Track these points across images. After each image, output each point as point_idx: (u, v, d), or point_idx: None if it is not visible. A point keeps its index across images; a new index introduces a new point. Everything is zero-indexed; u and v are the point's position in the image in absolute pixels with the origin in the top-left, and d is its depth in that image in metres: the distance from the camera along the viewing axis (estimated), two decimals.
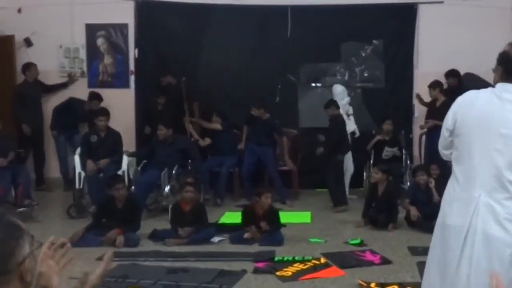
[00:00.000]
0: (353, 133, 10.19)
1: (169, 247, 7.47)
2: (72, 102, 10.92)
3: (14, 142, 9.85)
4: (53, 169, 11.25)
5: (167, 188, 9.12)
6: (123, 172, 9.20)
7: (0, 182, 8.71)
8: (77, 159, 9.41)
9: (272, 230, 7.65)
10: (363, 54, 11.08)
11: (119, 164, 9.29)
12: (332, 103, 9.82)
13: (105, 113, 9.53)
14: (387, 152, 10.06)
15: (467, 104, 3.60)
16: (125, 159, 9.42)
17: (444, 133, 3.72)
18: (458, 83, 10.34)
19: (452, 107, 3.68)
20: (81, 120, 10.90)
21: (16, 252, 2.01)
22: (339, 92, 10.14)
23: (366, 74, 11.11)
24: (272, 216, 7.77)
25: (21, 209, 8.81)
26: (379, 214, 8.32)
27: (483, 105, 3.52)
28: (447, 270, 3.59)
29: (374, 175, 8.68)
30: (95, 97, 10.69)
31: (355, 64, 11.09)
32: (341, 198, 9.59)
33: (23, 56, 11.19)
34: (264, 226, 7.65)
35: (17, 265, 2.02)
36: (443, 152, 3.81)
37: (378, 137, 10.17)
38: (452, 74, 10.45)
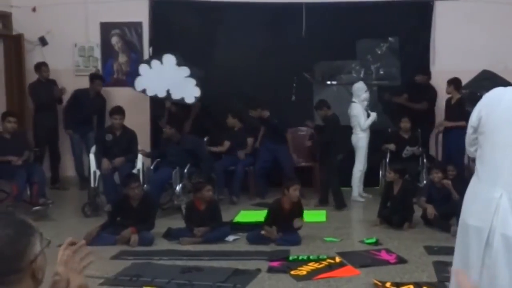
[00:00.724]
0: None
1: (183, 246, 7.44)
2: (78, 95, 10.86)
3: (30, 141, 9.86)
4: (68, 168, 11.27)
5: (178, 187, 9.11)
6: (138, 170, 9.20)
7: (15, 181, 8.72)
8: (92, 157, 9.41)
9: (298, 228, 7.57)
10: (379, 52, 11.01)
11: (134, 163, 9.27)
12: (323, 104, 9.77)
13: (121, 111, 9.50)
14: (407, 151, 9.99)
15: (493, 101, 3.53)
16: (140, 158, 9.41)
17: (468, 129, 3.67)
18: (427, 81, 10.46)
19: (478, 104, 3.62)
20: (92, 111, 10.84)
21: (28, 250, 2.04)
22: (359, 89, 10.02)
23: (381, 72, 11.04)
24: (300, 211, 7.69)
25: (36, 208, 8.84)
26: (395, 213, 8.25)
27: (509, 103, 3.45)
28: (470, 272, 3.52)
29: (388, 175, 8.63)
30: (96, 77, 10.76)
31: (370, 62, 11.03)
32: (343, 200, 9.55)
33: (37, 55, 11.20)
34: (297, 223, 7.51)
35: (29, 263, 2.04)
36: (468, 149, 3.75)
37: (390, 146, 10.08)
38: (422, 72, 10.50)
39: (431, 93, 10.53)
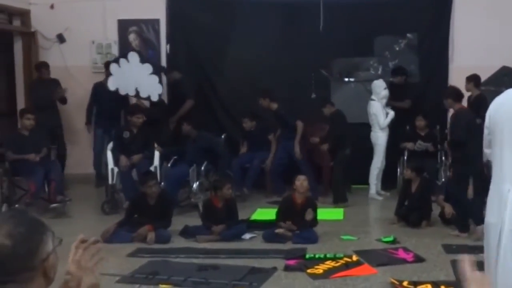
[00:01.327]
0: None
1: (200, 243, 7.43)
2: (96, 88, 10.81)
3: (47, 138, 9.88)
4: (80, 165, 11.20)
5: (195, 185, 9.10)
6: (155, 168, 9.20)
7: (33, 178, 8.74)
8: (109, 154, 9.43)
9: (309, 224, 7.53)
10: (397, 48, 10.92)
11: (151, 160, 9.28)
12: (326, 102, 9.83)
13: (139, 109, 9.61)
14: (420, 145, 9.89)
15: (501, 102, 3.54)
16: (157, 155, 9.41)
17: (484, 130, 3.67)
18: (404, 81, 10.38)
19: (490, 105, 3.63)
20: (111, 101, 10.60)
21: (40, 249, 2.05)
22: (378, 86, 9.95)
23: None
24: (312, 206, 7.65)
25: (54, 205, 8.87)
26: (412, 212, 8.20)
27: None
28: (489, 271, 3.50)
29: (405, 173, 8.57)
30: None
31: (388, 58, 10.94)
32: (342, 195, 9.52)
33: (55, 52, 11.23)
34: (308, 215, 7.48)
35: (41, 262, 2.06)
36: (485, 151, 3.77)
37: (408, 145, 9.99)
38: (398, 72, 10.43)
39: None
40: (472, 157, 7.08)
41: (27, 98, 11.12)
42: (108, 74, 10.24)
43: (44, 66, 10.71)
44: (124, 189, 9.29)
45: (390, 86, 10.18)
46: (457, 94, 8.26)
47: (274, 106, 9.97)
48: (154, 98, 10.15)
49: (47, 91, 10.55)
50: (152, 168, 9.09)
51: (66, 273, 2.26)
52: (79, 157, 11.17)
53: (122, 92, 10.12)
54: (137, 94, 10.14)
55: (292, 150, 9.93)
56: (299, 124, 9.94)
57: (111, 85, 10.08)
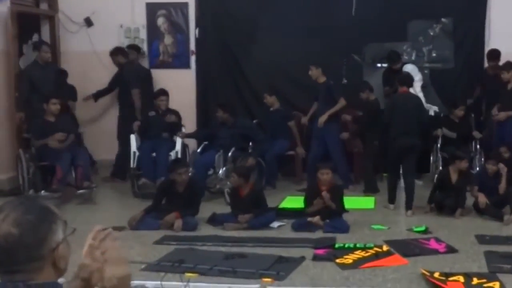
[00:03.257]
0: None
1: (227, 231, 7.35)
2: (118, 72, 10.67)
3: (75, 124, 9.82)
4: (109, 151, 11.07)
5: (221, 171, 9.00)
6: (176, 153, 9.20)
7: (59, 164, 8.69)
8: (132, 138, 9.44)
9: (336, 211, 7.40)
10: (431, 33, 10.68)
11: (174, 143, 9.36)
12: (366, 87, 9.60)
13: (166, 93, 9.69)
14: (445, 132, 9.66)
15: None
16: (179, 141, 9.38)
17: None
18: (401, 68, 9.99)
19: None
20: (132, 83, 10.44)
21: (48, 238, 1.98)
22: (410, 70, 9.71)
23: (434, 54, 10.70)
24: (335, 196, 7.50)
25: (80, 191, 8.83)
26: (446, 200, 8.01)
27: None
28: None
29: (459, 164, 8.22)
30: (127, 49, 10.61)
31: (422, 44, 10.70)
32: (373, 184, 9.35)
33: (83, 36, 11.16)
34: (327, 201, 7.35)
35: (51, 251, 1.98)
36: None
37: (449, 134, 9.74)
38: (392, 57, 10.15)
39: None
40: None
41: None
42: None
43: (45, 45, 10.21)
44: (144, 173, 9.24)
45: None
46: None
47: (323, 78, 9.66)
48: None
49: (44, 76, 9.90)
50: (173, 153, 9.12)
51: (79, 266, 2.14)
52: (107, 143, 11.07)
53: None
54: None
55: (325, 134, 9.60)
56: (342, 100, 9.59)
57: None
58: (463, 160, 8.19)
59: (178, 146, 9.32)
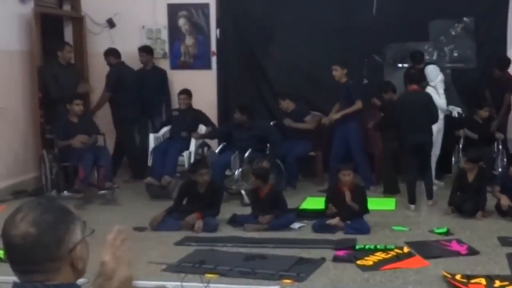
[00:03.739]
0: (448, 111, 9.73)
1: (248, 232, 7.36)
2: (137, 74, 10.72)
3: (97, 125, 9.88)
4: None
5: (237, 172, 9.05)
6: (190, 153, 9.26)
7: (82, 164, 8.76)
8: (151, 137, 9.61)
9: (359, 212, 7.38)
10: (453, 33, 10.60)
11: (188, 143, 9.48)
12: (389, 87, 9.58)
13: (186, 92, 9.90)
14: (466, 132, 9.58)
15: None
16: (193, 141, 9.45)
17: None
18: (423, 68, 9.80)
19: None
20: (151, 87, 10.64)
21: (66, 238, 1.98)
22: (431, 71, 9.65)
23: (456, 54, 10.62)
24: (358, 196, 7.47)
25: (102, 192, 8.89)
26: (467, 201, 7.97)
27: None
28: None
29: (463, 163, 8.30)
30: (141, 50, 10.67)
31: (444, 43, 10.62)
32: (393, 185, 9.28)
33: (105, 37, 11.22)
34: (349, 201, 7.33)
35: (68, 252, 1.99)
36: None
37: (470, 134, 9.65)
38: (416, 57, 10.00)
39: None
40: None
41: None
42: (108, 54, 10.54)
43: (68, 45, 10.31)
44: (152, 168, 9.32)
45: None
46: None
47: (345, 79, 9.61)
48: None
49: (67, 76, 10.08)
50: (186, 153, 9.20)
51: (100, 264, 2.15)
52: None
53: None
54: None
55: (346, 132, 9.58)
56: (358, 103, 9.56)
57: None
58: (465, 159, 8.24)
59: (192, 147, 9.36)
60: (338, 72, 9.57)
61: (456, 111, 9.75)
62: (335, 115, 9.69)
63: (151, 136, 9.66)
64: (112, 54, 10.46)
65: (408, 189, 8.50)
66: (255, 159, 9.00)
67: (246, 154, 9.11)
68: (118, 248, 2.14)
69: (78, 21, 11.20)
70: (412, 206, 8.40)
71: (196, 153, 9.41)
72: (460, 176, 8.26)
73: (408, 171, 8.61)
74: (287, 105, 10.03)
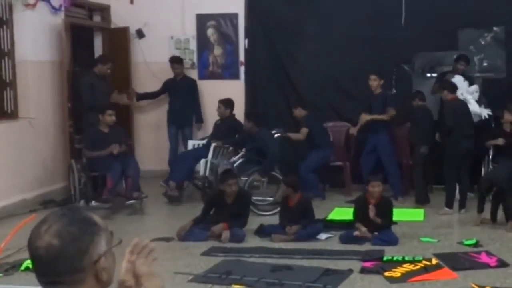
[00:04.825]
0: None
1: (275, 243, 7.34)
2: (167, 84, 10.91)
3: (126, 134, 9.93)
4: (157, 162, 11.24)
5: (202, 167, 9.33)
6: (206, 162, 9.30)
7: (110, 174, 8.80)
8: (190, 144, 10.09)
9: (382, 226, 7.31)
10: (483, 42, 10.50)
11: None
12: (416, 95, 9.55)
13: (221, 101, 10.09)
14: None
15: None
16: (211, 150, 9.47)
17: None
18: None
19: None
20: (180, 96, 10.77)
21: (90, 249, 1.97)
22: (459, 81, 9.55)
23: (485, 64, 10.51)
24: (384, 209, 7.40)
25: (130, 202, 8.92)
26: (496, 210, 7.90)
27: None
28: None
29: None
30: (172, 61, 10.80)
31: (473, 53, 10.50)
32: (423, 195, 9.23)
33: (135, 47, 11.30)
34: (373, 217, 7.26)
35: (92, 263, 1.97)
36: None
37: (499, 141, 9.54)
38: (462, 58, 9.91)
39: None
40: None
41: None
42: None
43: (109, 61, 10.25)
44: (174, 167, 9.55)
45: None
46: None
47: (379, 89, 9.71)
48: None
49: (102, 87, 10.09)
50: (202, 161, 9.30)
51: (119, 281, 2.16)
52: (156, 153, 11.22)
53: None
54: None
55: (377, 143, 9.64)
56: (392, 111, 9.64)
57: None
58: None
59: (209, 155, 9.39)
60: (376, 82, 9.64)
61: (485, 113, 9.63)
62: (367, 116, 9.72)
63: (190, 143, 9.97)
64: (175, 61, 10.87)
65: (449, 193, 8.75)
66: (249, 170, 9.00)
67: (235, 165, 9.16)
68: (138, 263, 2.14)
69: (108, 32, 11.29)
70: (450, 210, 8.64)
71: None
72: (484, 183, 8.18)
73: (452, 175, 8.74)
74: (299, 113, 10.02)
